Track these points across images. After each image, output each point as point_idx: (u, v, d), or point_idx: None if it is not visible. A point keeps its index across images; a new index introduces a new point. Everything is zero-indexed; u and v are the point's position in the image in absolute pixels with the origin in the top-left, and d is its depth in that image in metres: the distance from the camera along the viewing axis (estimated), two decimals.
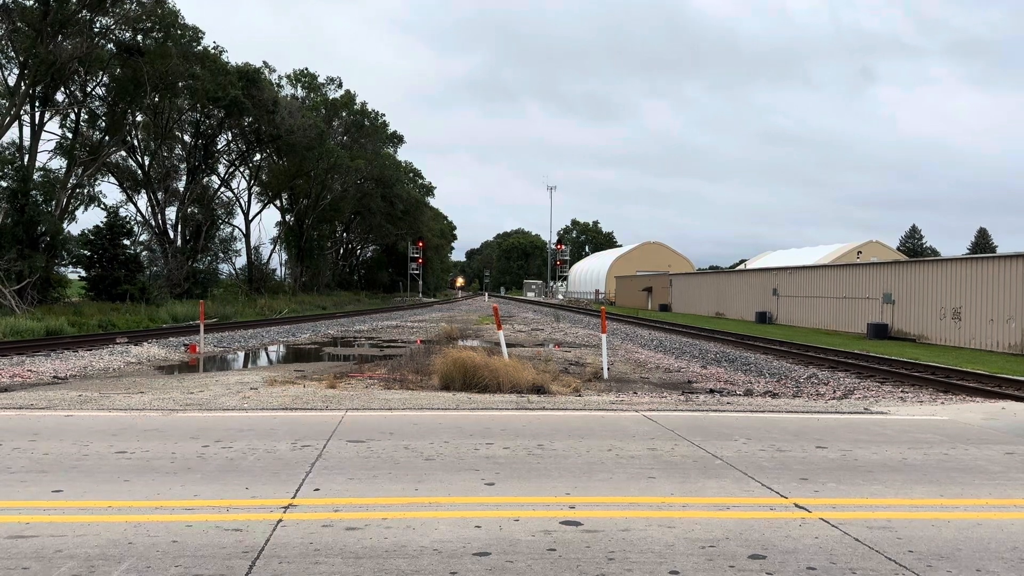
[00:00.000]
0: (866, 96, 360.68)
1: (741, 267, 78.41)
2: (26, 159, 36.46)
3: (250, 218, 65.55)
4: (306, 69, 73.91)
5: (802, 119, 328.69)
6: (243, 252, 63.80)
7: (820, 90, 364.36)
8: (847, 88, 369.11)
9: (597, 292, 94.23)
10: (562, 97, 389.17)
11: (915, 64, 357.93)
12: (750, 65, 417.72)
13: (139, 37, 40.66)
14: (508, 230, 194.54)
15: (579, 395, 12.32)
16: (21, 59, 35.26)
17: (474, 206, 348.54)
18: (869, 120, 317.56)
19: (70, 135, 40.78)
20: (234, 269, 63.15)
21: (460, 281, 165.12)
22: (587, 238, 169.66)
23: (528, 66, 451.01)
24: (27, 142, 36.97)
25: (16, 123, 36.04)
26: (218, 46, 48.46)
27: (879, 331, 30.70)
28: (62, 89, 39.01)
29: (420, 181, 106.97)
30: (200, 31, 44.86)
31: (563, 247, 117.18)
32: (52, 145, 40.58)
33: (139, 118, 46.15)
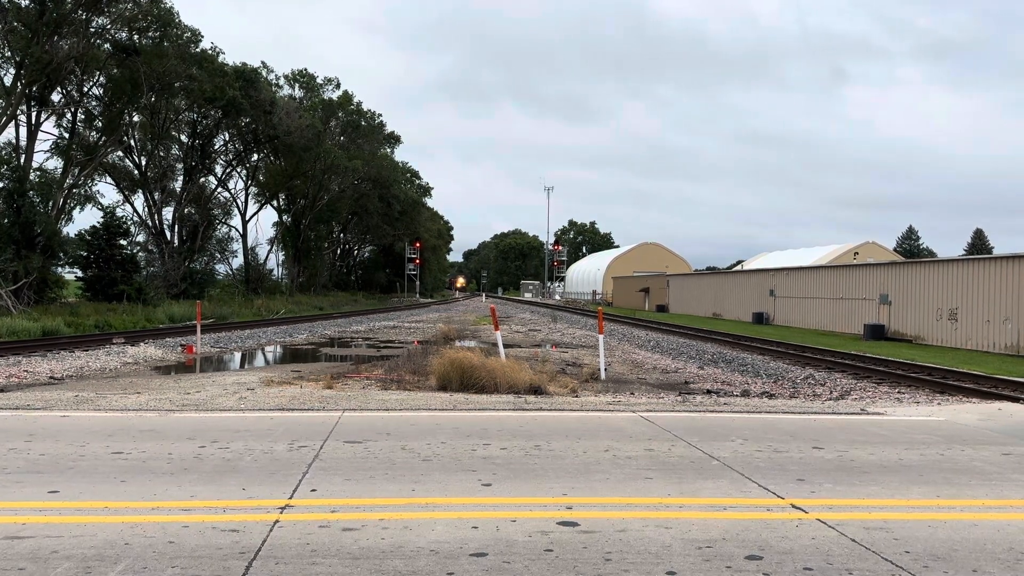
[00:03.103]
0: (840, 97, 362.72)
1: (738, 268, 78.51)
2: (22, 159, 36.42)
3: (247, 218, 65.62)
4: (305, 70, 74.00)
5: (779, 120, 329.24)
6: (240, 252, 63.88)
7: (794, 91, 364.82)
8: (820, 90, 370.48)
9: (594, 293, 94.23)
10: (540, 99, 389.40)
11: (885, 65, 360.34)
12: (721, 66, 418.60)
13: (135, 37, 40.62)
14: (504, 231, 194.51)
15: (576, 396, 12.32)
16: (17, 59, 35.21)
17: (461, 207, 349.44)
18: (845, 121, 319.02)
19: (67, 135, 40.74)
20: (231, 270, 63.19)
21: (460, 282, 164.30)
22: (584, 239, 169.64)
23: (502, 68, 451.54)
24: (23, 142, 36.96)
25: (12, 123, 36.00)
26: (215, 47, 48.41)
27: (876, 332, 30.74)
28: (58, 89, 38.97)
29: (417, 182, 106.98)
30: (199, 33, 44.89)
31: (560, 248, 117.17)
32: (48, 145, 40.57)
33: (136, 118, 46.10)
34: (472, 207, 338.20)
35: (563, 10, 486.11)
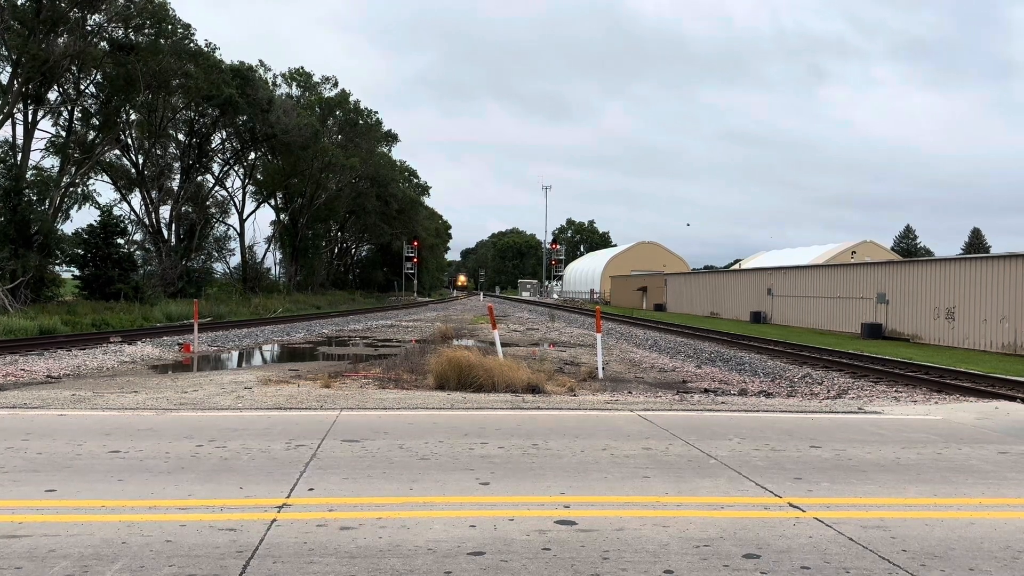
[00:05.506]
0: (819, 97, 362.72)
1: (736, 267, 78.55)
2: (19, 157, 36.32)
3: (244, 217, 65.48)
4: (301, 68, 73.89)
5: (760, 120, 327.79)
6: (237, 251, 63.73)
7: (773, 91, 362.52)
8: (799, 89, 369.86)
9: (592, 292, 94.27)
10: (522, 98, 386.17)
11: (862, 65, 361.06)
12: (698, 66, 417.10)
13: (131, 34, 40.54)
14: (500, 230, 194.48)
15: (574, 395, 12.33)
16: (14, 57, 35.13)
17: (456, 206, 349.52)
18: (826, 121, 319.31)
19: (63, 133, 40.64)
20: (228, 268, 63.06)
21: (462, 280, 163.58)
22: (582, 237, 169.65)
23: (481, 67, 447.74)
24: (20, 140, 36.86)
25: (9, 121, 35.91)
26: (210, 43, 48.16)
27: (873, 331, 30.78)
28: (55, 87, 38.88)
29: (415, 180, 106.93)
30: (192, 28, 44.72)
31: (558, 247, 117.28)
32: (45, 143, 40.44)
33: (133, 117, 45.99)
34: (467, 206, 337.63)
35: (535, 10, 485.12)
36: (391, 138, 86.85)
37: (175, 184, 51.55)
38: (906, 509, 5.67)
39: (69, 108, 40.64)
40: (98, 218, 40.58)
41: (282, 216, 70.83)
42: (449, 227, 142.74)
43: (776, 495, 5.96)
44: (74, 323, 27.85)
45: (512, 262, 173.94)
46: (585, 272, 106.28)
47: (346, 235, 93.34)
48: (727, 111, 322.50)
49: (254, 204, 68.65)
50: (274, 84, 66.14)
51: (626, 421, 9.25)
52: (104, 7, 37.78)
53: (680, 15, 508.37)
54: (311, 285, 70.65)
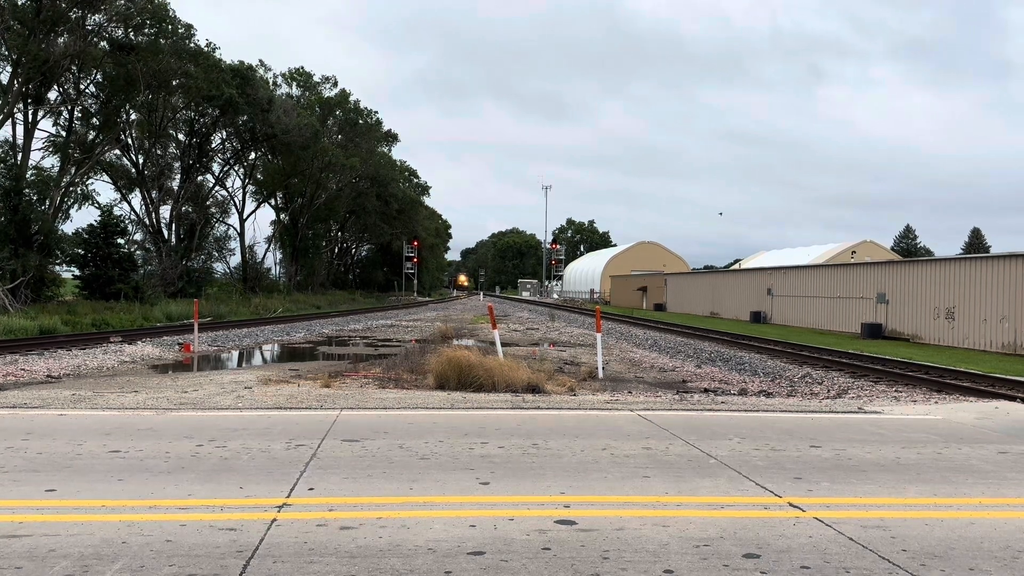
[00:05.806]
0: (817, 97, 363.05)
1: (736, 267, 78.52)
2: (19, 157, 36.32)
3: (244, 217, 65.46)
4: (301, 68, 73.91)
5: (759, 120, 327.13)
6: (238, 251, 63.72)
7: (771, 91, 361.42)
8: (798, 90, 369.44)
9: (592, 292, 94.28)
10: (520, 98, 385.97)
11: (860, 65, 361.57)
12: (696, 66, 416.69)
13: (131, 34, 40.54)
14: (500, 230, 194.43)
15: (574, 394, 12.33)
16: (14, 57, 35.13)
17: (455, 206, 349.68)
18: (825, 121, 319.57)
19: (63, 133, 40.64)
20: (229, 268, 63.07)
21: (463, 280, 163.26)
22: (582, 237, 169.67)
23: (479, 67, 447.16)
24: (20, 140, 36.86)
25: (9, 121, 35.91)
26: (211, 43, 48.10)
27: (873, 331, 30.78)
28: (55, 87, 38.88)
29: (415, 180, 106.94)
30: (192, 28, 44.71)
31: (558, 246, 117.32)
32: (46, 143, 40.42)
33: (133, 116, 45.98)
34: (467, 206, 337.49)
35: (535, 10, 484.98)
36: (391, 138, 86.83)
37: (175, 184, 51.55)
38: (906, 509, 5.67)
39: (69, 108, 40.63)
40: (98, 218, 40.60)
41: (282, 216, 70.81)
42: (449, 227, 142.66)
43: (776, 495, 5.96)
44: (74, 323, 27.85)
45: (512, 262, 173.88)
46: (585, 272, 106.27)
47: (346, 235, 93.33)
48: (726, 111, 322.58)
49: (254, 204, 68.71)
50: (274, 84, 66.21)
51: (626, 421, 9.25)
52: (104, 7, 37.75)
53: (678, 15, 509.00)
54: (311, 285, 70.63)
